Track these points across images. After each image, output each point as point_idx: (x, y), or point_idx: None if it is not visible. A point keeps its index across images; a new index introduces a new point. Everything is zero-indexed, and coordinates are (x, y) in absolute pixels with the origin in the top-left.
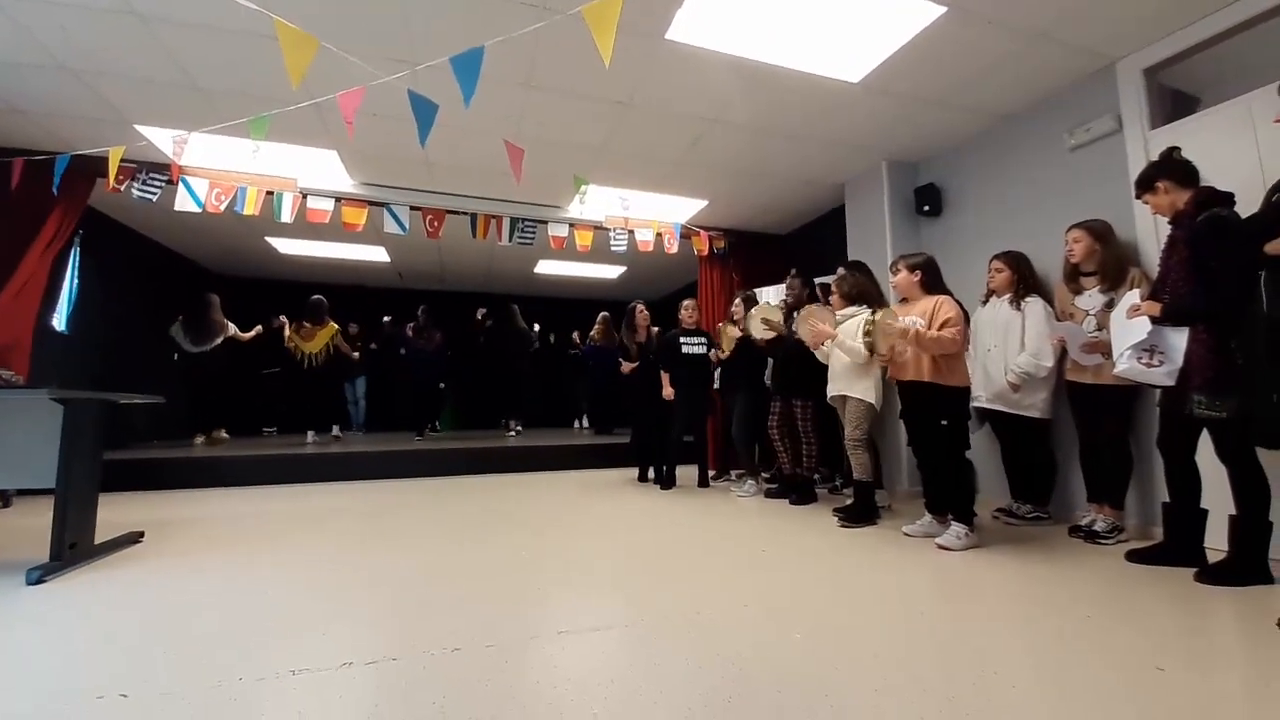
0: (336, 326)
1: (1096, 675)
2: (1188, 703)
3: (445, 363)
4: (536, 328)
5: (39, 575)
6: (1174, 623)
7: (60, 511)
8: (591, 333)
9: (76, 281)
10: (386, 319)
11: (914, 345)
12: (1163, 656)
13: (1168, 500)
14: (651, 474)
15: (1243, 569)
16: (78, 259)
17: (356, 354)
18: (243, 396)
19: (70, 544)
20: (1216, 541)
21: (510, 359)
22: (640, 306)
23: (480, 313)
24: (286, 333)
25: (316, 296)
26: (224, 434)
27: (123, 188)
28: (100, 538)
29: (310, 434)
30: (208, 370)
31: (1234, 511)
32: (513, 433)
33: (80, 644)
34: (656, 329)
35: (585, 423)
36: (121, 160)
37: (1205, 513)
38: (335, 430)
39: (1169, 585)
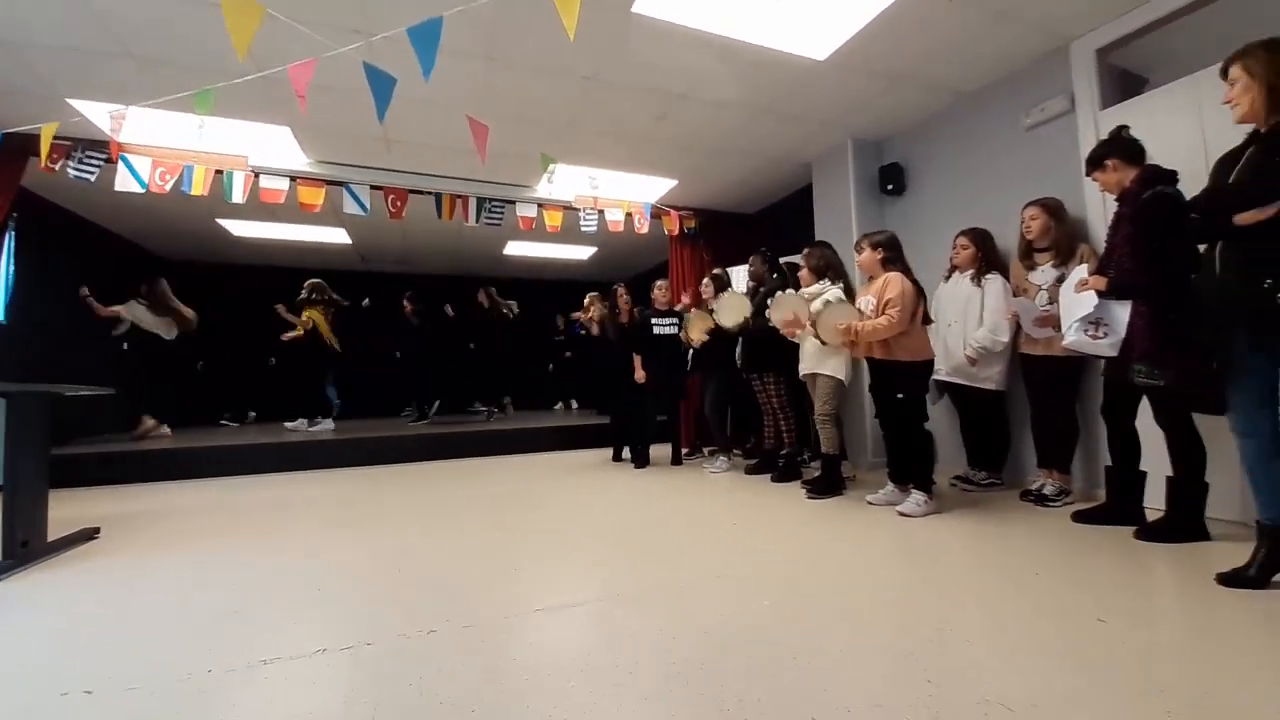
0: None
1: (1043, 629)
2: (1128, 653)
3: (426, 343)
4: (513, 305)
5: None
6: (1115, 578)
7: (9, 509)
8: (575, 313)
9: (13, 269)
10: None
11: (857, 341)
12: (1105, 610)
13: (1110, 464)
14: (627, 453)
15: (1180, 527)
16: (13, 245)
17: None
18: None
19: (22, 542)
20: (1155, 501)
21: (492, 342)
22: (621, 290)
23: (447, 307)
24: (325, 331)
25: (316, 280)
26: (155, 424)
27: (57, 167)
28: (54, 534)
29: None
30: (147, 355)
31: (1171, 473)
32: (487, 415)
33: (39, 643)
34: (637, 308)
35: (575, 405)
36: (54, 137)
37: (1144, 475)
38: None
39: (1111, 543)
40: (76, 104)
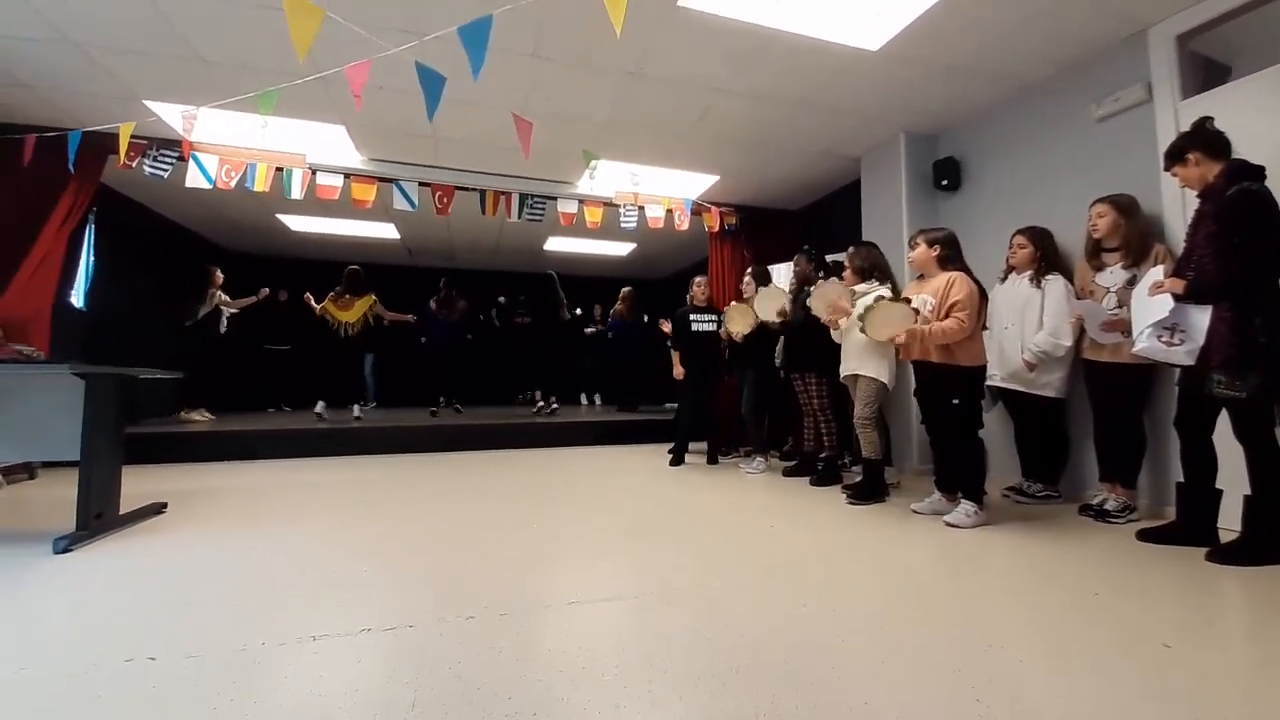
0: (374, 297)
1: (1103, 651)
2: (1194, 679)
3: (466, 333)
4: (579, 311)
5: (66, 544)
6: (1183, 601)
7: (85, 483)
8: (615, 308)
9: (93, 258)
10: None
11: (918, 342)
12: (1170, 634)
13: (1182, 480)
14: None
15: (1256, 549)
16: (93, 236)
17: (410, 317)
18: (251, 372)
19: (96, 514)
20: (1229, 522)
21: (548, 330)
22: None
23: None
24: (318, 307)
25: (353, 267)
26: (205, 414)
27: (134, 164)
28: (124, 508)
29: (320, 404)
30: (195, 344)
31: (1249, 492)
32: (552, 408)
33: (107, 610)
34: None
35: (598, 399)
36: (132, 136)
37: (1220, 493)
38: (356, 410)
39: (1180, 564)
40: (152, 105)
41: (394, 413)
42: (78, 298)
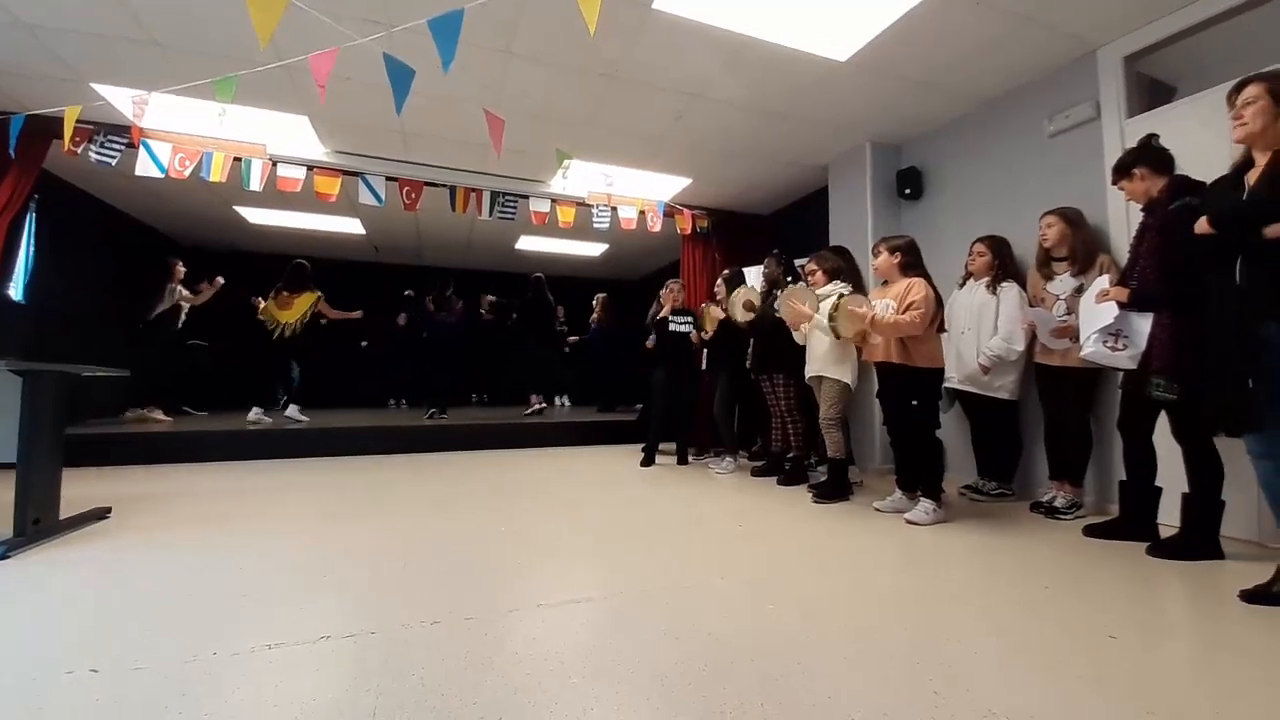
0: (319, 293)
1: (1053, 643)
2: (1138, 668)
3: (468, 333)
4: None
5: (3, 551)
6: (1127, 595)
7: (22, 486)
8: (594, 315)
9: (33, 249)
10: (409, 291)
11: (872, 330)
12: (1115, 626)
13: (1125, 478)
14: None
15: (1193, 544)
16: (34, 226)
17: (358, 313)
18: (175, 371)
19: (34, 519)
20: (1169, 518)
21: (542, 332)
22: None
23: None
24: (262, 304)
25: (298, 261)
26: (158, 414)
27: (80, 150)
28: (66, 513)
29: (293, 408)
30: (148, 342)
31: (1187, 490)
32: (541, 407)
33: (47, 620)
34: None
35: (568, 401)
36: (78, 121)
37: (1159, 490)
38: (289, 410)
39: (1123, 559)
40: (100, 88)
41: (349, 414)
42: (16, 290)
